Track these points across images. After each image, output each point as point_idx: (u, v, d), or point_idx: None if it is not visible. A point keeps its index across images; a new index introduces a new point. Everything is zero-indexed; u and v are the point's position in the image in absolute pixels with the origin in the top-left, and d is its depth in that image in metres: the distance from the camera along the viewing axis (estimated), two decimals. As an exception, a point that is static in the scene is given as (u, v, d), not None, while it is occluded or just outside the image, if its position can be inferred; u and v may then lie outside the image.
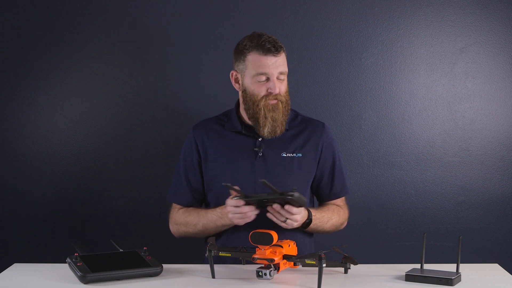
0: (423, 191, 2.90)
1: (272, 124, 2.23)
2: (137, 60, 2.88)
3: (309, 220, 2.17)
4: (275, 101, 2.22)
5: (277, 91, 2.21)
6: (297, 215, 2.05)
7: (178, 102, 2.88)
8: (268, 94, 2.21)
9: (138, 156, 2.89)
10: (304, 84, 2.87)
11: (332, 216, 2.28)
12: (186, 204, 2.34)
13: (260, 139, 2.27)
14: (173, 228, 2.34)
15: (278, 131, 2.25)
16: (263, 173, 2.23)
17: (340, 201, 2.36)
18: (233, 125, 2.30)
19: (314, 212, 2.20)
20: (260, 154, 2.25)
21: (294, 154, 2.27)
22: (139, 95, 2.88)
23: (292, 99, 2.68)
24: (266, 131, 2.24)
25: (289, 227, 2.09)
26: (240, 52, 2.25)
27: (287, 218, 2.05)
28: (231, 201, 2.07)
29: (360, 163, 2.89)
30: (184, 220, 2.29)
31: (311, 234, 2.33)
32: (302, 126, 2.33)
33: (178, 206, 2.35)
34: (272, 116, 2.22)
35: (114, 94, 2.89)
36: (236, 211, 2.07)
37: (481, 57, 2.87)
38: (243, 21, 2.84)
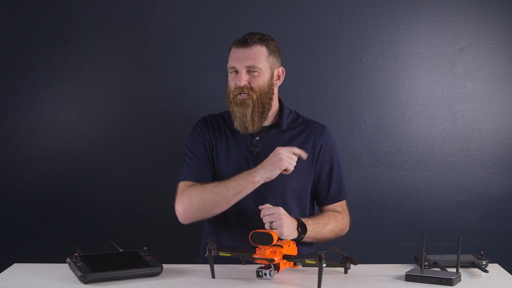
0: (423, 191, 2.90)
1: (241, 120, 2.22)
2: (137, 61, 2.88)
3: (301, 225, 2.11)
4: (244, 96, 2.21)
5: (241, 83, 2.21)
6: (277, 212, 2.03)
7: (178, 102, 2.88)
8: (237, 88, 2.22)
9: (138, 156, 2.89)
10: (304, 84, 2.87)
11: (328, 222, 2.23)
12: (200, 179, 2.24)
13: (257, 138, 2.27)
14: (185, 202, 2.18)
15: (250, 128, 2.24)
16: None
17: (340, 206, 2.33)
18: (233, 122, 2.30)
19: (306, 220, 2.16)
20: (257, 154, 2.25)
21: None
22: (139, 95, 2.89)
23: (292, 99, 2.69)
24: (236, 125, 2.24)
25: (278, 229, 2.02)
26: (229, 49, 2.30)
27: (271, 222, 2.03)
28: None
29: (360, 163, 2.89)
30: (201, 189, 2.18)
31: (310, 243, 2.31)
32: (302, 128, 2.33)
33: (191, 183, 2.24)
34: (240, 111, 2.22)
35: (114, 94, 2.89)
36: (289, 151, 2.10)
37: (481, 57, 2.87)
38: (243, 21, 2.84)
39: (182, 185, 2.24)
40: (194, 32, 2.86)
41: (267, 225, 2.03)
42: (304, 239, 2.15)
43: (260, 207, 2.08)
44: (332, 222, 2.25)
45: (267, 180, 2.12)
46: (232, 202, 2.15)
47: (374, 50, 2.87)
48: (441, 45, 2.87)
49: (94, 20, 2.86)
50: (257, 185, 2.12)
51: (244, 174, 2.14)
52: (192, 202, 2.17)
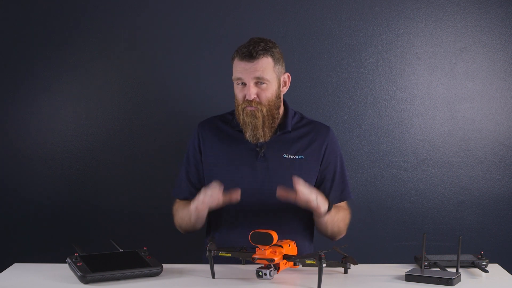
0: (423, 191, 2.90)
1: (253, 131, 2.22)
2: (137, 61, 2.88)
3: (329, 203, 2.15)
4: (252, 108, 2.20)
5: (251, 97, 2.19)
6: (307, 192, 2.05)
7: (178, 102, 2.88)
8: (246, 101, 2.21)
9: (138, 156, 2.89)
10: (304, 84, 2.87)
11: (338, 210, 2.26)
12: (185, 199, 2.33)
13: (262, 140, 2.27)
14: (175, 222, 2.34)
15: (261, 139, 2.23)
16: (264, 173, 2.23)
17: (341, 206, 2.33)
18: (237, 124, 2.29)
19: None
20: (262, 155, 2.25)
21: (296, 156, 2.26)
22: (139, 95, 2.88)
23: (292, 99, 2.69)
24: (248, 135, 2.24)
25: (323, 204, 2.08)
26: (231, 59, 2.27)
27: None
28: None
29: (360, 163, 2.89)
30: (177, 212, 2.32)
31: (311, 237, 2.32)
32: (306, 129, 2.32)
33: (179, 201, 2.35)
34: (251, 122, 2.21)
35: (114, 94, 2.89)
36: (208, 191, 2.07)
37: (481, 57, 2.87)
38: (243, 21, 2.84)
39: (175, 201, 2.37)
40: (194, 33, 2.86)
41: (313, 197, 2.06)
42: (325, 217, 2.16)
43: (295, 181, 2.06)
44: (341, 212, 2.27)
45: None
46: (199, 226, 2.27)
47: (374, 50, 2.87)
48: (441, 45, 2.87)
49: (94, 20, 2.86)
50: (193, 211, 2.17)
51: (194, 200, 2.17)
52: (178, 221, 2.32)
